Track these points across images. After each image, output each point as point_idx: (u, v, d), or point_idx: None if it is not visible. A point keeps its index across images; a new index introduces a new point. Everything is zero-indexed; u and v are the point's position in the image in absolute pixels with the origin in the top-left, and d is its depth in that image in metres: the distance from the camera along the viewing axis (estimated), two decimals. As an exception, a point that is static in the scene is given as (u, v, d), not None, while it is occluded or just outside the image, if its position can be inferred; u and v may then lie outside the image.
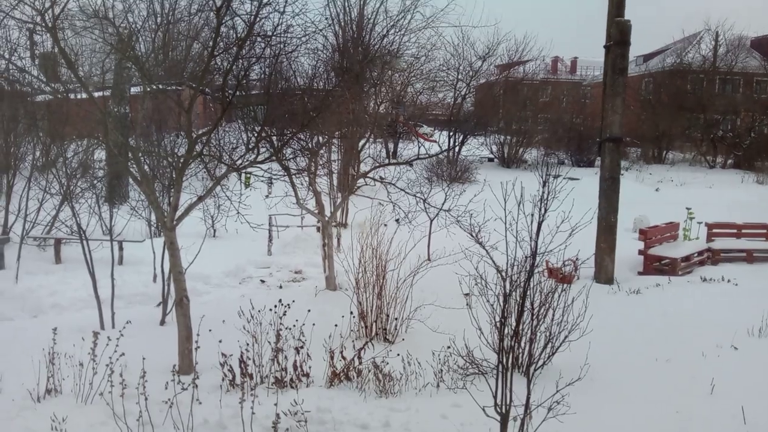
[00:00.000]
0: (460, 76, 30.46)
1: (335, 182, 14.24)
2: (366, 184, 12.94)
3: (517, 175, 7.80)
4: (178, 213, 7.27)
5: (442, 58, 29.38)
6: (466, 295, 6.08)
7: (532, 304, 5.60)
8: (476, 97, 34.04)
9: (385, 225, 8.88)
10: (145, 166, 8.48)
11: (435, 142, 29.52)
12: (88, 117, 9.68)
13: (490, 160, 31.38)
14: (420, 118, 32.53)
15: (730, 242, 14.27)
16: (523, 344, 5.92)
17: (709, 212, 16.31)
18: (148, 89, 8.82)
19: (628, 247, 13.20)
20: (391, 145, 29.34)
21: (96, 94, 9.70)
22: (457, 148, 28.43)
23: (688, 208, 15.28)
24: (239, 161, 7.93)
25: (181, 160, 7.17)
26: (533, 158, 30.14)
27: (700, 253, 13.58)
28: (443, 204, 12.06)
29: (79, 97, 10.09)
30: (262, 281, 11.81)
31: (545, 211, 4.96)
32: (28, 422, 5.29)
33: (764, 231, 14.45)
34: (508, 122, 32.12)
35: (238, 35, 7.20)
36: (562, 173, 5.91)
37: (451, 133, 29.55)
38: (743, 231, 14.51)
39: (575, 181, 18.63)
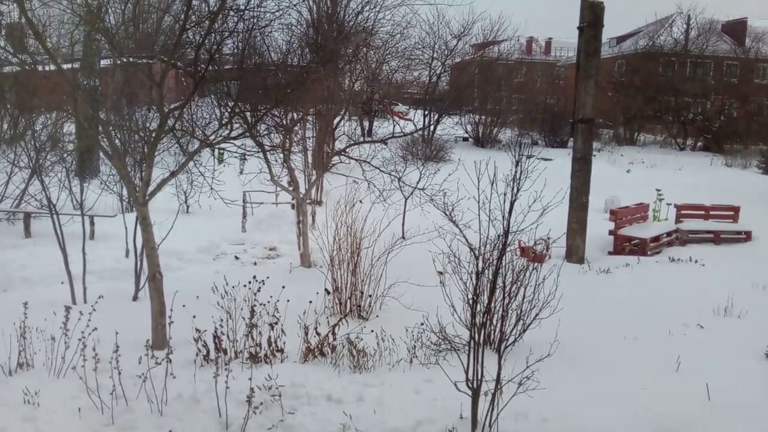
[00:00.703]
0: (435, 55, 30.40)
1: (310, 159, 14.19)
2: (341, 162, 12.93)
3: (491, 154, 7.86)
4: (151, 188, 7.21)
5: (417, 36, 29.31)
6: (440, 273, 6.14)
7: (503, 282, 5.68)
8: (452, 76, 34.04)
9: (361, 202, 8.91)
10: (117, 141, 8.35)
11: (410, 120, 29.49)
12: (56, 89, 9.49)
13: (465, 139, 31.49)
14: (395, 97, 32.44)
15: (698, 224, 14.58)
16: (495, 321, 6.02)
17: (678, 194, 16.64)
18: (118, 62, 8.64)
19: (599, 227, 13.42)
20: (366, 123, 29.26)
21: (65, 66, 9.51)
22: (431, 127, 28.44)
23: (658, 190, 15.57)
24: (212, 137, 7.87)
25: (153, 135, 7.09)
26: (507, 138, 30.30)
27: (668, 234, 13.86)
28: (418, 182, 12.10)
29: (47, 68, 9.88)
30: (237, 258, 11.79)
31: (518, 190, 5.03)
32: (-1, 396, 5.26)
33: (731, 213, 14.79)
34: (483, 102, 32.22)
35: (210, 8, 7.11)
36: (536, 153, 5.98)
37: (426, 112, 29.55)
38: (711, 213, 14.83)
39: (548, 161, 18.82)
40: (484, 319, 5.19)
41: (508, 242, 5.18)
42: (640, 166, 26.67)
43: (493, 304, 5.54)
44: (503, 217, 5.15)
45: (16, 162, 12.47)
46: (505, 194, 5.14)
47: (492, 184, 5.26)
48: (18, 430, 4.80)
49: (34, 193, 12.35)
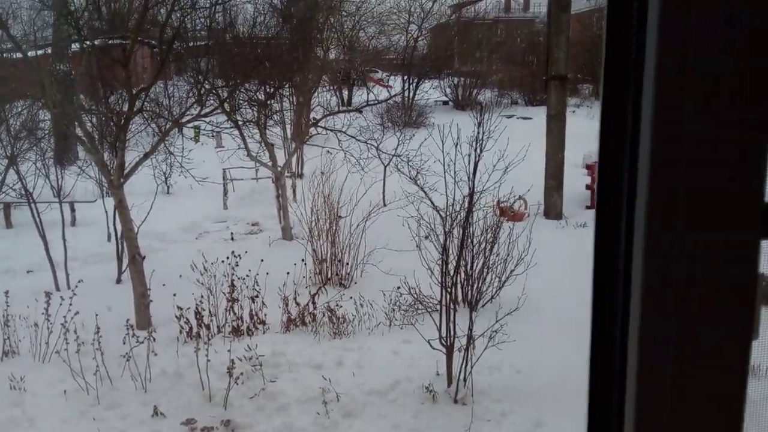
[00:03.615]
0: (411, 19, 30.12)
1: (288, 133, 14.17)
2: (318, 133, 12.93)
3: (471, 117, 7.92)
4: (126, 171, 7.25)
5: (392, 0, 28.96)
6: (426, 237, 6.24)
7: (471, 241, 5.81)
8: (430, 40, 33.76)
9: (333, 173, 8.95)
10: (88, 125, 8.35)
11: (390, 87, 29.34)
12: (24, 77, 9.43)
13: (445, 103, 31.37)
14: (373, 63, 32.19)
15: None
16: (463, 279, 6.15)
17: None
18: (85, 46, 8.58)
19: (577, 182, 13.53)
20: (345, 93, 29.07)
21: (33, 53, 9.43)
22: (408, 93, 28.30)
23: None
24: (184, 116, 7.88)
25: (123, 118, 7.11)
26: (487, 99, 30.24)
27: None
28: (395, 149, 12.13)
29: (15, 56, 9.80)
30: (232, 237, 11.76)
31: (481, 150, 5.12)
32: (-14, 384, 5.38)
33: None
34: (462, 64, 32.04)
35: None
36: (516, 113, 6.06)
37: (405, 77, 29.37)
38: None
39: (528, 120, 18.86)
40: (454, 279, 5.32)
41: (474, 201, 5.29)
42: (620, 120, 26.72)
43: (462, 262, 5.67)
44: (468, 178, 5.25)
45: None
46: (469, 155, 5.23)
47: (456, 146, 5.35)
48: (6, 415, 4.92)
49: (11, 183, 12.30)
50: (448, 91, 31.58)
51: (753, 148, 0.64)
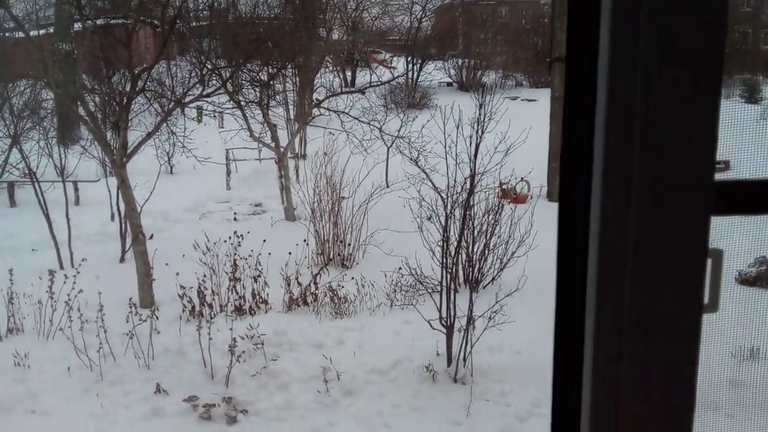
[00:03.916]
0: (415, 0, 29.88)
1: (291, 113, 14.14)
2: (320, 114, 12.90)
3: (474, 99, 7.89)
4: (129, 151, 7.27)
5: (396, -19, 28.70)
6: (429, 218, 6.25)
7: (472, 223, 5.82)
8: (434, 21, 33.50)
9: (336, 154, 8.94)
10: (91, 105, 8.35)
11: (394, 68, 29.18)
12: (27, 57, 9.41)
13: (449, 84, 31.21)
14: (377, 44, 31.99)
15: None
16: (464, 260, 6.18)
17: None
18: (88, 25, 8.56)
19: (580, 165, 13.51)
20: (348, 74, 28.93)
21: (35, 33, 9.42)
22: (412, 74, 28.15)
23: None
24: (186, 96, 7.88)
25: (125, 97, 7.11)
26: (491, 81, 30.07)
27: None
28: (398, 130, 12.10)
29: (17, 36, 9.78)
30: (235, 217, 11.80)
31: (482, 132, 5.12)
32: (-9, 360, 5.45)
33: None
34: (467, 45, 31.82)
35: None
36: (520, 95, 6.04)
37: (409, 59, 29.20)
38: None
39: (532, 102, 18.77)
40: (455, 260, 5.34)
41: (475, 183, 5.30)
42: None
43: (464, 244, 5.69)
44: (470, 159, 5.25)
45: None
46: (470, 137, 5.23)
47: (457, 128, 5.35)
48: (11, 391, 4.98)
49: (15, 162, 12.33)
50: (453, 72, 31.40)
51: (702, 129, 0.66)
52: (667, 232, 0.68)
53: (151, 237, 8.12)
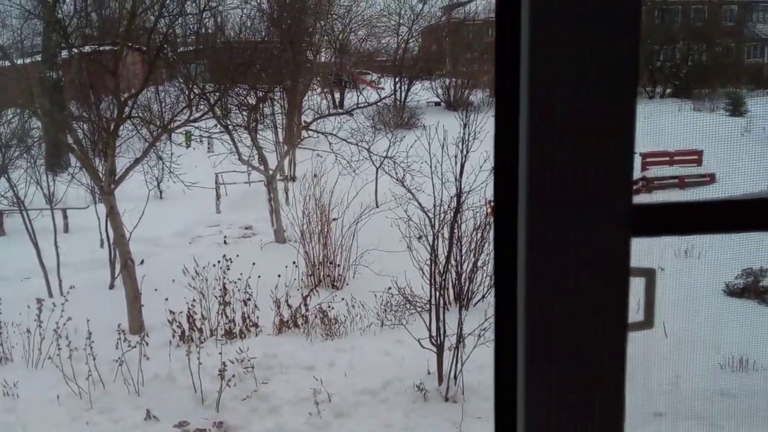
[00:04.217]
0: (402, 21, 30.18)
1: (280, 136, 14.19)
2: (309, 137, 12.96)
3: (461, 118, 7.96)
4: (117, 177, 7.28)
5: (382, 3, 28.98)
6: (419, 238, 6.28)
7: (460, 241, 5.86)
8: (421, 42, 33.80)
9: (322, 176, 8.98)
10: (79, 132, 8.37)
11: (382, 89, 29.37)
12: (14, 85, 9.44)
13: (437, 104, 31.43)
14: (364, 65, 32.22)
15: (663, 170, 14.80)
16: (454, 278, 6.21)
17: (648, 141, 16.81)
18: (74, 53, 8.61)
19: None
20: (336, 95, 29.09)
21: (21, 61, 9.45)
22: (399, 94, 28.33)
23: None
24: (173, 121, 7.93)
25: (112, 124, 7.15)
26: (479, 100, 30.30)
27: (635, 182, 14.08)
28: (387, 151, 12.16)
29: (3, 65, 9.81)
30: (225, 240, 11.78)
31: (467, 151, 5.17)
32: (-21, 391, 5.40)
33: (695, 157, 15.02)
34: (454, 65, 32.09)
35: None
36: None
37: (397, 79, 29.42)
38: (675, 158, 15.04)
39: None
40: (444, 278, 5.37)
41: (462, 202, 5.34)
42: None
43: (453, 263, 5.73)
44: (455, 179, 5.30)
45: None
46: (456, 156, 5.29)
47: (443, 148, 5.40)
48: (0, 421, 4.94)
49: (3, 191, 12.30)
50: (440, 92, 31.61)
51: (621, 152, 0.69)
52: (589, 253, 0.71)
53: (141, 263, 8.11)
